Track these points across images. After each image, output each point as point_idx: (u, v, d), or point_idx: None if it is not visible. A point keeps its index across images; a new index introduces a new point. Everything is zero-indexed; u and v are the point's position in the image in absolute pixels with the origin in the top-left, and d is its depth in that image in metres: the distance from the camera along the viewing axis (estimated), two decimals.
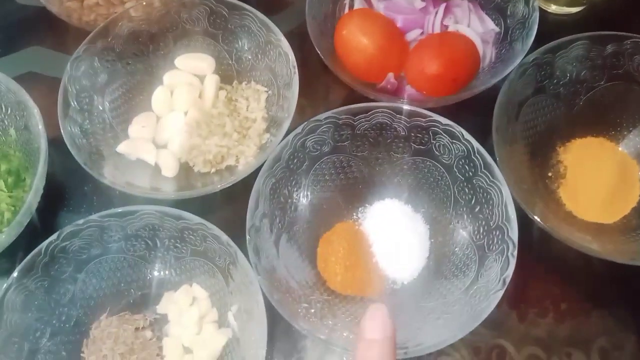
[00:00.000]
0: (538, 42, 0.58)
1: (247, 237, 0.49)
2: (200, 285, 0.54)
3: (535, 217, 0.50)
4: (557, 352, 0.52)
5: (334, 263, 0.55)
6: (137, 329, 0.54)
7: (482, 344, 0.53)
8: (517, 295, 0.53)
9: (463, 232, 0.54)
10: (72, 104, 0.57)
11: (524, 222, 0.49)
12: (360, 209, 0.58)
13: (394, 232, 0.56)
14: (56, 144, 0.55)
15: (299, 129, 0.53)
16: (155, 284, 0.55)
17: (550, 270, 0.56)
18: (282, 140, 0.53)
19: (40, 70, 0.69)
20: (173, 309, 0.54)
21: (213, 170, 0.59)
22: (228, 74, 0.64)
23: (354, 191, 0.58)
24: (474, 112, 0.56)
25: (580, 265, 0.55)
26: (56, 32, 0.71)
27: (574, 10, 0.69)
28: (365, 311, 0.36)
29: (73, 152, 0.54)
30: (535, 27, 0.58)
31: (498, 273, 0.47)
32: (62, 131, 0.55)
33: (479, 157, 0.51)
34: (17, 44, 0.71)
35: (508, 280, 0.46)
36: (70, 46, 0.64)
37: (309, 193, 0.57)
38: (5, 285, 0.49)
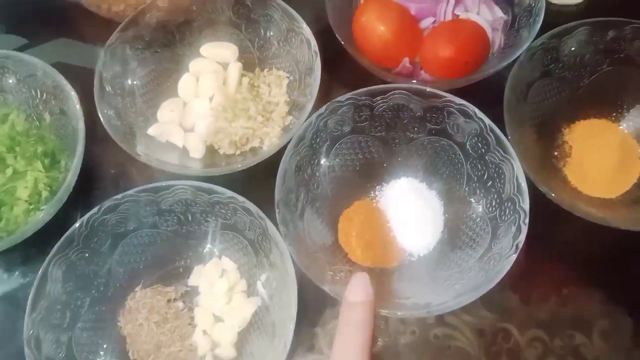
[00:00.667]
0: (542, 32, 0.61)
1: (277, 209, 0.52)
2: (229, 257, 0.57)
3: (544, 189, 0.53)
4: (559, 334, 0.55)
5: (354, 237, 0.58)
6: (169, 300, 0.57)
7: (488, 328, 0.55)
8: (520, 281, 0.55)
9: (476, 206, 0.57)
10: (107, 88, 0.60)
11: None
12: (377, 187, 0.61)
13: (409, 208, 0.59)
14: None
15: (322, 109, 0.56)
16: (186, 258, 0.58)
17: (552, 255, 0.58)
18: (305, 121, 0.56)
19: (68, 60, 0.71)
20: (203, 281, 0.57)
21: (238, 152, 0.62)
22: (250, 61, 0.67)
23: (371, 170, 0.61)
24: (483, 97, 0.58)
25: (582, 251, 0.58)
26: (83, 24, 0.73)
27: (575, 1, 0.73)
28: (351, 279, 0.41)
29: (110, 132, 0.57)
30: (542, 15, 0.61)
31: (511, 240, 0.51)
32: (98, 113, 0.58)
33: (491, 134, 0.54)
34: (45, 35, 0.73)
35: (521, 245, 0.49)
36: (96, 38, 0.67)
37: (330, 171, 0.60)
38: (48, 257, 0.52)
